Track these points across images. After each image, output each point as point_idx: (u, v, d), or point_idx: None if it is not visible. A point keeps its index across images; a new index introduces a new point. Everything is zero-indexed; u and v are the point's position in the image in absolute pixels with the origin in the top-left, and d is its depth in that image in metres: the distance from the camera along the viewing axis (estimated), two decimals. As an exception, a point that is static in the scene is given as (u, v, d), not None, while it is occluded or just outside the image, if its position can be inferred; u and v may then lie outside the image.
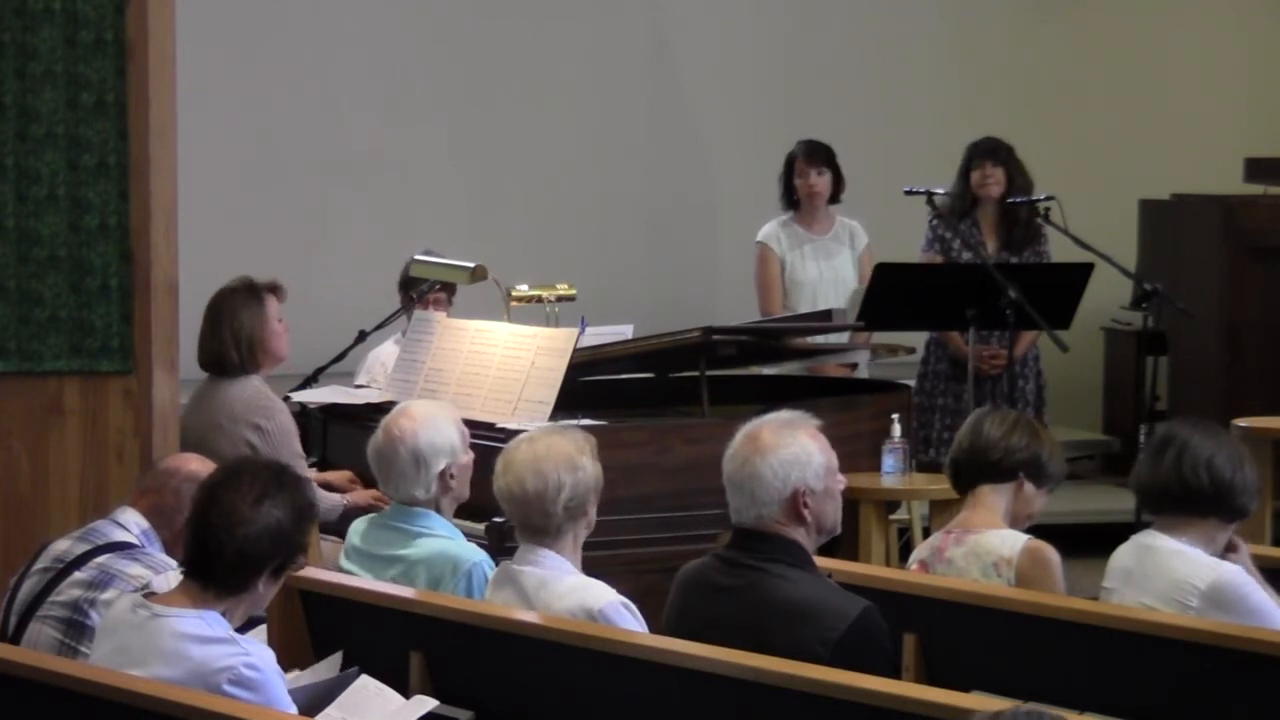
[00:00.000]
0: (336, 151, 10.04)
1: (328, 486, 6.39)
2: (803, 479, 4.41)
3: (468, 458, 5.26)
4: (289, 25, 10.00)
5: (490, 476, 4.73)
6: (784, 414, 4.54)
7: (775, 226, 8.37)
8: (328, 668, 4.58)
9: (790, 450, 4.43)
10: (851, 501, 6.49)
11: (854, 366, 8.23)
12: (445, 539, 5.15)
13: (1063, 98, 10.94)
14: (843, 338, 7.98)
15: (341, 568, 5.30)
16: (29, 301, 6.18)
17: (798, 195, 8.32)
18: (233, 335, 6.35)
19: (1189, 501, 4.75)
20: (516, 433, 5.11)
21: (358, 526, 5.38)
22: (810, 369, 8.08)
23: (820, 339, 7.81)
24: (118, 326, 6.20)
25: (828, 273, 8.29)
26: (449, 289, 7.46)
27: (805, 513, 4.41)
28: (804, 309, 8.12)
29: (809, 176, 8.27)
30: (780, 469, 4.41)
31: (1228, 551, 4.80)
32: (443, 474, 5.19)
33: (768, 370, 7.85)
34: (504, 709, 4.39)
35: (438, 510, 5.21)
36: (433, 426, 5.21)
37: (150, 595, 4.26)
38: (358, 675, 4.45)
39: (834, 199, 8.35)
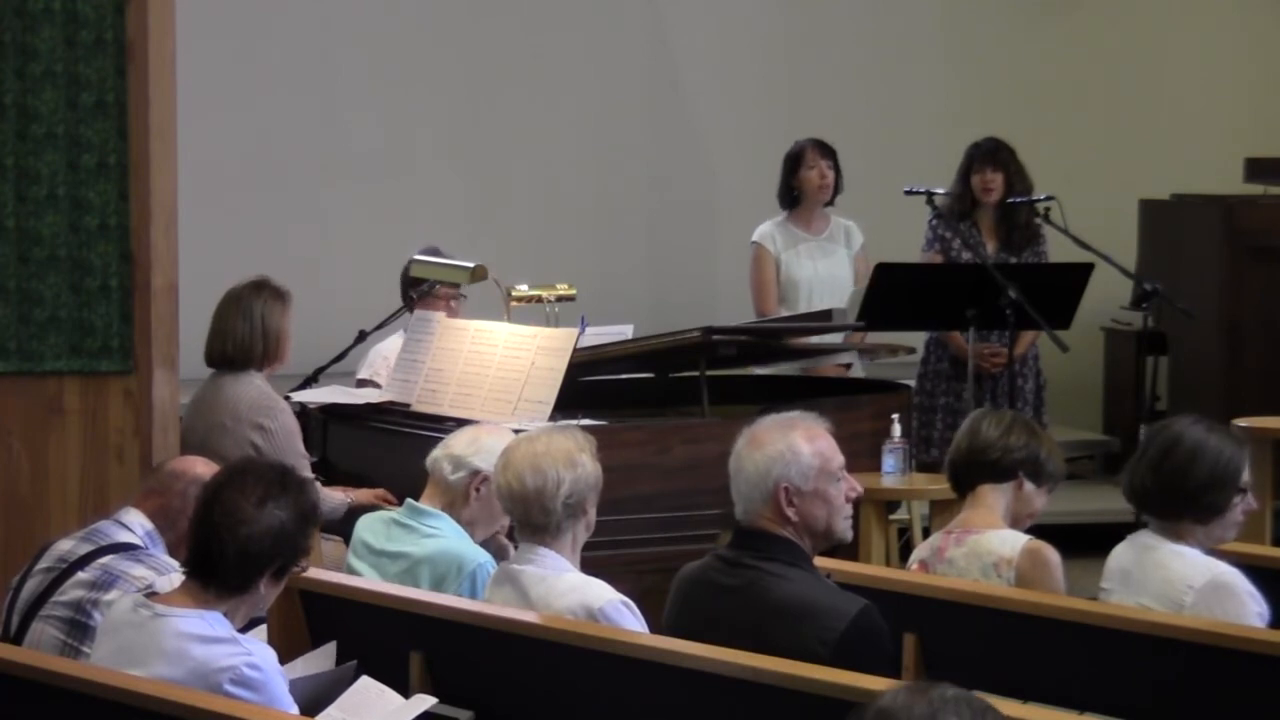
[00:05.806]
0: (336, 151, 10.05)
1: None
2: (784, 476, 4.41)
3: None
4: (289, 25, 10.01)
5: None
6: (792, 414, 4.54)
7: (770, 226, 8.33)
8: (322, 657, 4.58)
9: (775, 448, 4.43)
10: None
11: (848, 366, 8.22)
12: (452, 539, 5.16)
13: (1063, 98, 10.95)
14: (836, 338, 7.96)
15: (349, 565, 5.31)
16: (29, 301, 6.17)
17: (798, 191, 8.28)
18: (263, 329, 6.35)
19: (1183, 508, 4.74)
20: (517, 433, 5.12)
21: (367, 524, 5.38)
22: (805, 370, 8.07)
23: (813, 339, 7.79)
24: (118, 326, 6.20)
25: (824, 271, 8.25)
26: (455, 288, 7.45)
27: (789, 511, 4.41)
28: (801, 309, 8.09)
29: (821, 166, 8.23)
30: (762, 464, 4.42)
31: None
32: (475, 474, 5.20)
33: (760, 370, 7.85)
34: (504, 709, 4.39)
35: (451, 515, 5.22)
36: (487, 441, 5.23)
37: (152, 595, 4.26)
38: (355, 671, 4.46)
39: (830, 200, 8.33)
